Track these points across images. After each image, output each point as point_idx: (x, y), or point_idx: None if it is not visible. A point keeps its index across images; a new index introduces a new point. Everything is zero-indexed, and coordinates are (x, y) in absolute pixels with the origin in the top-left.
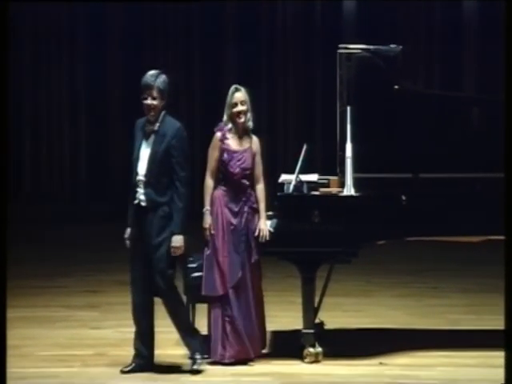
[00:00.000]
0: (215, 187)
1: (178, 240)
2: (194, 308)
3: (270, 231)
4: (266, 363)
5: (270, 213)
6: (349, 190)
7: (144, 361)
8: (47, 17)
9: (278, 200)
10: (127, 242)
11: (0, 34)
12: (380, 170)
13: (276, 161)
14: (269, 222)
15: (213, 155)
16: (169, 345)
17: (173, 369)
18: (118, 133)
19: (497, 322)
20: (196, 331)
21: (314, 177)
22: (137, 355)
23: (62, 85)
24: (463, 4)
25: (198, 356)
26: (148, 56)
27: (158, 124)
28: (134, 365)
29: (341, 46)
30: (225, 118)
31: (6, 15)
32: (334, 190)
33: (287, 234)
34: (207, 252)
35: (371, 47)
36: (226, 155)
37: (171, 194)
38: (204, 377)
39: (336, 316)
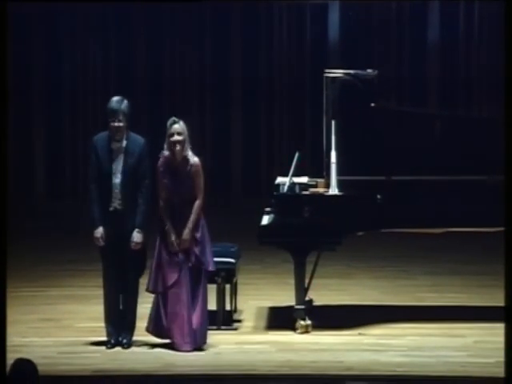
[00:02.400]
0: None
1: (138, 236)
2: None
3: (263, 226)
4: (265, 333)
5: (268, 209)
6: (333, 190)
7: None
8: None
9: (275, 198)
10: (100, 240)
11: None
12: (359, 173)
13: (273, 165)
14: (267, 217)
15: (157, 180)
16: None
17: None
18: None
19: (456, 299)
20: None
21: (304, 179)
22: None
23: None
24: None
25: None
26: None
27: (125, 141)
28: (113, 342)
29: (326, 70)
30: (165, 146)
31: (5, 15)
32: (321, 190)
33: (282, 227)
34: (154, 255)
35: (352, 71)
36: (163, 179)
37: (138, 198)
38: (211, 345)
39: (323, 294)
